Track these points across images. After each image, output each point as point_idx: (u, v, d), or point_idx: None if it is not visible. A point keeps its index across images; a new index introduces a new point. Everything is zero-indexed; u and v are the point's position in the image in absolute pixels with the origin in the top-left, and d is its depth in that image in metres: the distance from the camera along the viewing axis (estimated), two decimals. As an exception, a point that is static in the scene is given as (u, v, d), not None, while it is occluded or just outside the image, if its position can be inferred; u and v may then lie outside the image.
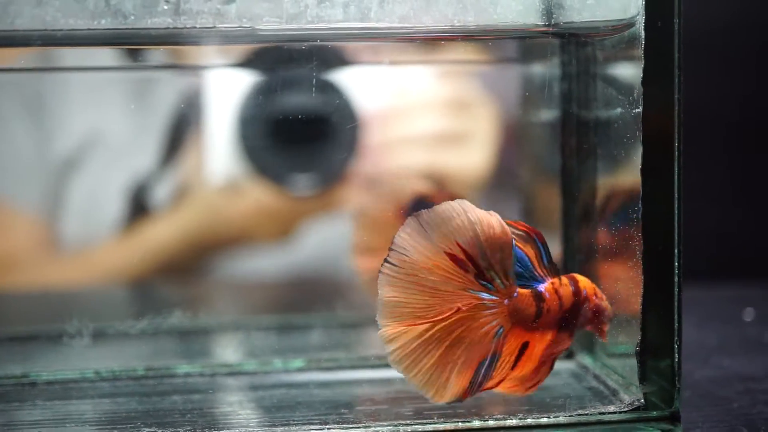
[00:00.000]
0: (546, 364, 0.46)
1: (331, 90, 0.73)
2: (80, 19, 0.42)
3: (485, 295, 0.43)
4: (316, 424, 0.45)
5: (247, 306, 0.74)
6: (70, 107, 0.88)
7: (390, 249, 0.43)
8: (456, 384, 0.43)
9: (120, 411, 0.48)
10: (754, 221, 0.97)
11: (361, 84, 0.73)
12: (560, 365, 0.54)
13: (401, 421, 0.44)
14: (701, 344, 0.66)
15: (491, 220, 0.42)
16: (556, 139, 0.57)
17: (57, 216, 0.90)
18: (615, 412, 0.45)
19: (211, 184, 0.81)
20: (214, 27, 0.44)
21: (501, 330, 0.43)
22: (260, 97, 0.72)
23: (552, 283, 0.45)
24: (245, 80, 0.72)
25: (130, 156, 0.88)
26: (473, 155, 0.80)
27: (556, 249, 0.57)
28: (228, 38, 0.49)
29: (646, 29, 0.44)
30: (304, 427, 0.44)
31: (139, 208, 0.85)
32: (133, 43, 0.54)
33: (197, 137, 0.80)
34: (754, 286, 0.84)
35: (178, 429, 0.44)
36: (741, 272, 0.88)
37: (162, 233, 0.85)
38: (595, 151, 0.53)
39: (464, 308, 0.42)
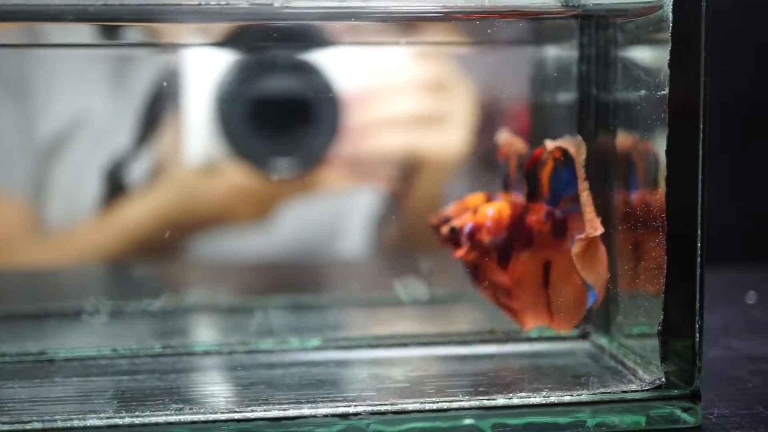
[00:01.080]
0: None
1: (312, 71, 0.73)
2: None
3: None
4: (340, 401, 0.45)
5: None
6: (52, 88, 0.88)
7: None
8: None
9: (143, 388, 0.48)
10: (756, 205, 0.98)
11: (357, 66, 0.73)
12: (576, 345, 0.55)
13: (427, 399, 0.45)
14: (708, 326, 0.66)
15: None
16: (572, 121, 0.57)
17: (39, 197, 0.89)
18: (637, 391, 0.45)
19: (188, 164, 0.80)
20: (203, 4, 0.44)
21: None
22: (239, 77, 0.72)
23: None
24: (225, 60, 0.71)
25: (110, 136, 0.87)
26: (450, 135, 0.80)
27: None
28: (220, 15, 0.49)
29: (674, 11, 0.44)
30: (328, 404, 0.44)
31: (116, 187, 0.85)
32: (116, 20, 0.53)
33: (175, 116, 0.80)
34: (755, 270, 0.85)
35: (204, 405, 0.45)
36: (743, 256, 0.89)
37: (138, 213, 0.85)
38: (615, 133, 0.53)
39: None
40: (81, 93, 0.88)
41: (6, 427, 0.42)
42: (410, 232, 0.81)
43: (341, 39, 0.66)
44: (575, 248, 0.47)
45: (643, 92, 0.48)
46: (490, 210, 0.49)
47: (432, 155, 0.77)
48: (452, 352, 0.55)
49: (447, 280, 0.63)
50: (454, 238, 0.48)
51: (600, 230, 0.47)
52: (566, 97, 0.58)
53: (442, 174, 0.78)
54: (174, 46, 0.70)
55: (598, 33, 0.55)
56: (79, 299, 0.58)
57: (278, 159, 0.77)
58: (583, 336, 0.56)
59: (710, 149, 0.46)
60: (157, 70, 0.84)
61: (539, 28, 0.61)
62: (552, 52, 0.61)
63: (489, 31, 0.57)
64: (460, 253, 0.49)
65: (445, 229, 0.49)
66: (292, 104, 0.73)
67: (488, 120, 0.68)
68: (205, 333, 0.60)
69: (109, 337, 0.56)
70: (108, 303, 0.57)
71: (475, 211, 0.49)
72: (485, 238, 0.49)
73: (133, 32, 0.62)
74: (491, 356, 0.54)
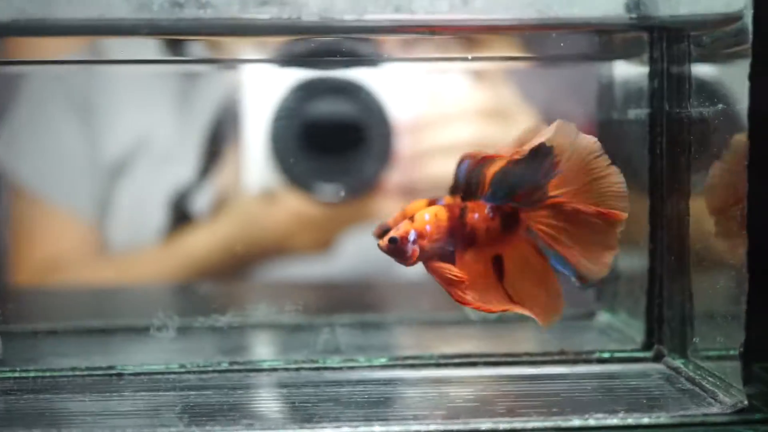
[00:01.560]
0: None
1: (368, 98, 0.73)
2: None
3: None
4: (411, 420, 0.44)
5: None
6: (117, 109, 0.89)
7: None
8: None
9: (212, 403, 0.48)
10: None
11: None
12: (650, 367, 0.54)
13: (500, 419, 0.44)
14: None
15: None
16: (644, 137, 0.56)
17: (103, 218, 0.90)
18: (719, 414, 0.44)
19: (249, 192, 0.81)
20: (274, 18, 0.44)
21: None
22: (296, 102, 0.72)
23: None
24: (282, 83, 0.72)
25: (173, 158, 0.88)
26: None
27: (643, 249, 0.56)
28: (288, 29, 0.49)
29: (754, 23, 0.43)
30: (400, 422, 0.44)
31: (180, 215, 0.86)
32: (187, 34, 0.54)
33: (236, 143, 0.80)
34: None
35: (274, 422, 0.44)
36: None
37: (202, 242, 0.85)
38: (689, 148, 0.52)
39: None
40: (145, 114, 0.89)
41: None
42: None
43: (406, 55, 0.66)
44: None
45: (720, 106, 0.47)
46: (427, 215, 0.49)
47: None
48: (522, 372, 0.54)
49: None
50: (395, 248, 0.48)
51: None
52: (637, 113, 0.57)
53: None
54: (236, 63, 0.70)
55: (670, 47, 0.54)
56: (148, 315, 0.58)
57: (333, 185, 0.77)
58: (657, 357, 0.55)
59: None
60: (220, 91, 0.84)
61: (608, 42, 0.60)
62: (622, 67, 0.61)
63: (561, 44, 0.56)
64: (410, 262, 0.48)
65: (384, 241, 0.48)
66: (349, 130, 0.73)
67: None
68: (271, 350, 0.59)
69: (177, 352, 0.56)
70: (176, 319, 0.58)
71: (412, 219, 0.49)
72: (426, 243, 0.48)
73: (200, 49, 0.62)
74: (563, 376, 0.53)
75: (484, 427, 0.43)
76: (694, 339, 0.51)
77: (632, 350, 0.56)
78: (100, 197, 0.91)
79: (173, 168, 0.88)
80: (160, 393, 0.50)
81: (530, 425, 0.43)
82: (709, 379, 0.49)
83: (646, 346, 0.56)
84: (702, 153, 0.51)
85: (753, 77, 0.43)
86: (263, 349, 0.60)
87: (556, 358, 0.55)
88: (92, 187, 0.91)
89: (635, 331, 0.58)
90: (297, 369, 0.54)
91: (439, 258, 0.48)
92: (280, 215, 0.82)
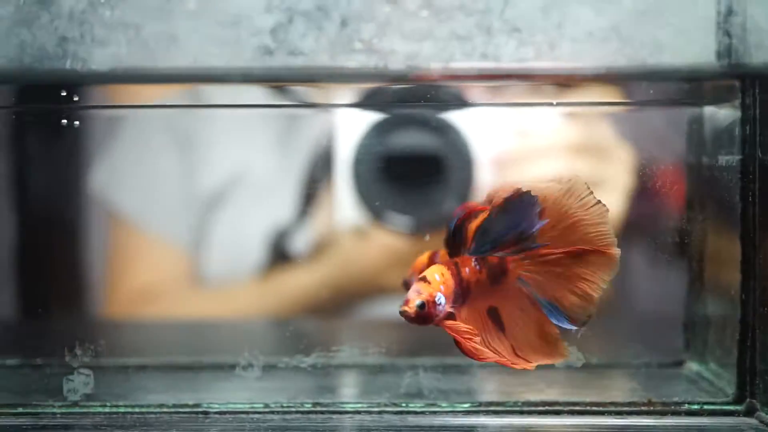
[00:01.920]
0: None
1: (455, 133, 0.73)
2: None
3: None
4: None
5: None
6: (215, 144, 0.91)
7: None
8: None
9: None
10: None
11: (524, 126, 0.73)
12: (741, 421, 0.52)
13: None
14: None
15: None
16: (735, 184, 0.55)
17: (201, 251, 0.92)
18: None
19: (346, 230, 0.81)
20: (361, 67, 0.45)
21: None
22: (385, 139, 0.73)
23: None
24: (370, 122, 0.72)
25: (269, 193, 0.90)
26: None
27: (734, 298, 0.55)
28: (375, 77, 0.49)
29: None
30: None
31: (279, 254, 0.87)
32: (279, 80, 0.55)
33: (329, 185, 0.81)
34: None
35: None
36: None
37: (298, 281, 0.86)
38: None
39: None
40: (242, 151, 0.91)
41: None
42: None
43: (493, 100, 0.66)
44: None
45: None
46: (437, 275, 0.48)
47: None
48: (607, 422, 0.53)
49: (600, 347, 0.61)
50: (425, 313, 0.47)
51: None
52: (728, 159, 0.56)
53: None
54: (324, 107, 0.72)
55: (763, 94, 0.53)
56: (234, 353, 0.59)
57: (420, 220, 0.77)
58: (749, 411, 0.53)
59: None
60: (315, 132, 0.86)
61: (699, 88, 0.60)
62: (712, 112, 0.60)
63: (651, 91, 0.55)
64: (431, 323, 0.47)
65: (412, 308, 0.47)
66: (434, 165, 0.74)
67: (644, 183, 0.66)
68: (354, 391, 0.60)
69: (261, 391, 0.57)
70: (261, 358, 0.58)
71: (425, 280, 0.47)
72: (448, 306, 0.48)
73: (292, 93, 0.63)
74: (650, 428, 0.52)
75: None
76: (787, 394, 0.50)
77: (723, 403, 0.54)
78: (197, 230, 0.93)
79: (270, 205, 0.89)
80: (245, 433, 0.51)
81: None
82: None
83: (738, 398, 0.54)
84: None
85: None
86: (347, 391, 0.60)
87: (643, 408, 0.54)
88: (189, 220, 0.93)
89: (725, 382, 0.56)
90: (379, 412, 0.54)
91: (445, 317, 0.48)
92: (372, 252, 0.83)
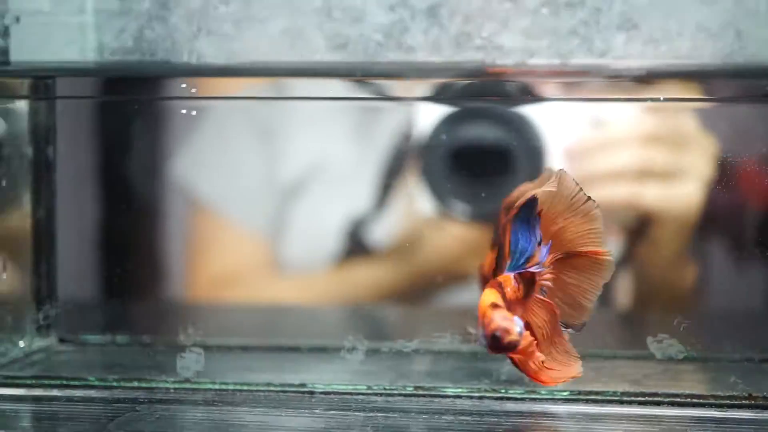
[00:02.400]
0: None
1: (523, 123, 0.73)
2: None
3: None
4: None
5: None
6: (295, 134, 0.93)
7: None
8: None
9: (399, 426, 0.50)
10: None
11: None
12: None
13: None
14: None
15: None
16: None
17: (280, 239, 0.94)
18: None
19: (419, 223, 0.83)
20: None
21: None
22: (457, 131, 0.73)
23: None
24: (443, 114, 0.73)
25: (346, 183, 0.91)
26: (685, 191, 0.78)
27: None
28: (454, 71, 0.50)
29: None
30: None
31: (356, 244, 0.88)
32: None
33: (407, 177, 0.83)
34: None
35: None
36: None
37: (375, 271, 0.87)
38: None
39: None
40: (322, 142, 0.92)
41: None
42: (651, 288, 0.79)
43: (569, 95, 0.67)
44: None
45: None
46: (498, 300, 0.47)
47: (663, 211, 0.76)
48: (707, 414, 0.53)
49: (701, 339, 0.61)
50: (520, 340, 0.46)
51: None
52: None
53: (677, 231, 0.76)
54: (408, 100, 0.73)
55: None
56: (339, 337, 0.61)
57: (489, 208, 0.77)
58: None
59: None
60: (395, 124, 0.87)
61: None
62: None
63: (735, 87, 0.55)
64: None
65: (513, 336, 0.45)
66: (503, 156, 0.74)
67: (726, 176, 0.66)
68: (455, 376, 0.61)
69: (364, 374, 0.59)
70: (365, 342, 0.60)
71: (498, 307, 0.46)
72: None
73: (372, 87, 0.65)
74: (751, 422, 0.52)
75: None
76: None
77: (833, 398, 0.54)
78: (276, 219, 0.95)
79: (347, 196, 0.91)
80: (349, 413, 0.53)
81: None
82: None
83: (841, 395, 0.54)
84: None
85: None
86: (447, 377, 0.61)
87: (744, 402, 0.54)
88: (269, 209, 0.95)
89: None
90: (480, 397, 0.55)
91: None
92: (448, 242, 0.83)
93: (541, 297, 0.49)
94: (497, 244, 0.50)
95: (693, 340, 0.58)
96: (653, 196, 0.76)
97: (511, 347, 0.45)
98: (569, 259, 0.48)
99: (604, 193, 0.76)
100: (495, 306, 0.46)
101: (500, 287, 0.48)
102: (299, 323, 0.80)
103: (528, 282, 0.48)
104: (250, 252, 0.95)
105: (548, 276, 0.49)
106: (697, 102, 0.71)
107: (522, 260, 0.48)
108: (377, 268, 0.88)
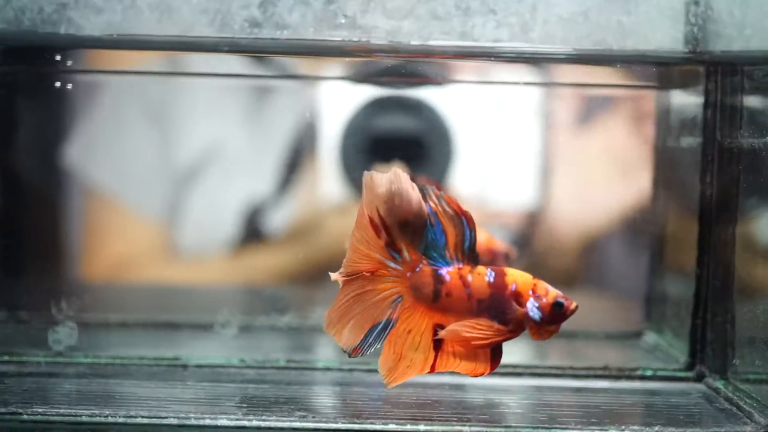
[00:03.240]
0: (481, 350, 0.47)
1: (428, 110, 0.75)
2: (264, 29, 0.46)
3: (390, 264, 0.46)
4: (455, 421, 0.47)
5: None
6: (191, 117, 0.92)
7: None
8: (349, 337, 0.47)
9: (268, 396, 0.51)
10: None
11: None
12: (690, 386, 0.55)
13: (540, 425, 0.46)
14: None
15: (411, 196, 0.45)
16: (696, 166, 0.58)
17: (175, 225, 0.94)
18: (751, 432, 0.46)
19: (323, 208, 0.84)
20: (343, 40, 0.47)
21: (399, 299, 0.46)
22: (364, 116, 0.75)
23: (459, 269, 0.46)
24: (349, 97, 0.75)
25: (244, 167, 0.91)
26: None
27: (691, 274, 0.58)
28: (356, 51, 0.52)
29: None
30: (444, 423, 0.46)
31: (253, 229, 0.89)
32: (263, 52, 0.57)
33: (310, 162, 0.84)
34: None
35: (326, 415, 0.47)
36: None
37: (274, 256, 0.88)
38: (738, 178, 0.54)
39: (368, 271, 0.46)
40: (219, 125, 0.92)
41: (145, 420, 0.46)
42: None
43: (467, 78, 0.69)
44: None
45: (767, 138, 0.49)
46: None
47: None
48: (565, 384, 0.56)
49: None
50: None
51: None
52: (690, 141, 0.59)
53: None
54: (308, 80, 0.74)
55: (724, 80, 0.55)
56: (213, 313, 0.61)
57: None
58: (699, 377, 0.56)
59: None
60: (296, 108, 0.87)
61: (666, 73, 0.62)
62: (679, 97, 0.63)
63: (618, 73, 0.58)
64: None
65: (575, 304, 0.46)
66: (414, 144, 0.76)
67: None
68: (327, 351, 0.62)
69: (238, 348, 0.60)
70: (239, 317, 0.61)
71: (536, 287, 0.47)
72: None
73: (274, 65, 0.65)
74: (605, 390, 0.55)
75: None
76: (734, 361, 0.53)
77: (674, 369, 0.57)
78: (171, 204, 0.94)
79: (247, 181, 0.90)
80: (222, 384, 0.54)
81: (568, 433, 0.45)
82: (747, 400, 0.50)
83: (689, 366, 0.57)
84: (751, 183, 0.53)
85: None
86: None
87: (600, 373, 0.57)
88: (164, 194, 0.94)
89: (679, 351, 0.59)
90: (350, 370, 0.57)
91: None
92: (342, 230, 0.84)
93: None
94: None
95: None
96: None
97: (569, 316, 0.46)
98: None
99: None
100: (535, 287, 0.46)
101: None
102: (184, 302, 0.80)
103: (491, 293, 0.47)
104: (145, 238, 0.94)
105: None
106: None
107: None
108: (276, 254, 0.88)
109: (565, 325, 0.52)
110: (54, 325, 0.59)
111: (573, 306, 0.46)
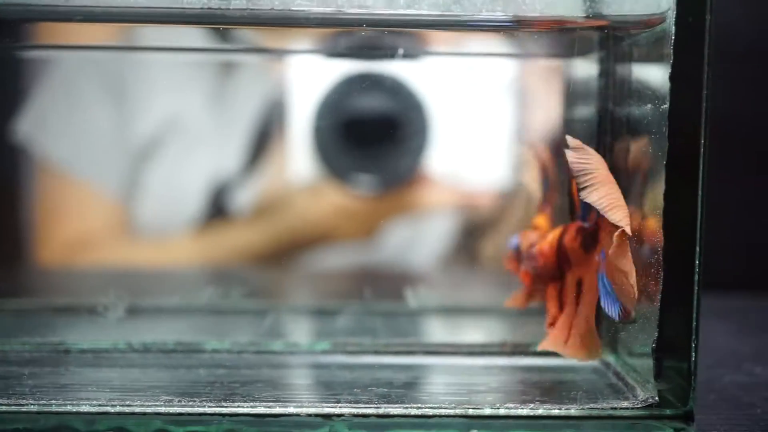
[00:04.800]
0: None
1: (403, 91, 0.74)
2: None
3: None
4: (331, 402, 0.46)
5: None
6: (149, 92, 0.90)
7: None
8: None
9: (145, 380, 0.50)
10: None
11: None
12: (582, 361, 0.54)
13: (412, 405, 0.45)
14: (736, 352, 0.65)
15: None
16: (592, 136, 0.57)
17: (134, 201, 0.92)
18: (627, 408, 0.45)
19: (293, 187, 0.82)
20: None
21: None
22: (335, 95, 0.73)
23: None
24: (323, 82, 0.73)
25: (205, 144, 0.89)
26: None
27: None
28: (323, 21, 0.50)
29: (676, 25, 0.44)
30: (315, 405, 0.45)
31: (218, 206, 0.87)
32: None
33: (279, 139, 0.82)
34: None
35: (195, 399, 0.46)
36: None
37: (240, 234, 0.86)
38: (628, 149, 0.53)
39: None
40: (178, 100, 0.90)
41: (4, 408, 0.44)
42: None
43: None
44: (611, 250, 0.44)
45: (648, 106, 0.48)
46: (535, 237, 0.50)
47: None
48: (459, 362, 0.55)
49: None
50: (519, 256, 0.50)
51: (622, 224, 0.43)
52: (588, 111, 0.58)
53: None
54: (276, 53, 0.71)
55: (616, 46, 0.54)
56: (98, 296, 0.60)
57: (373, 178, 0.78)
58: (593, 353, 0.55)
59: (747, 174, 0.45)
60: (263, 83, 0.85)
61: (570, 41, 0.61)
62: (580, 65, 0.61)
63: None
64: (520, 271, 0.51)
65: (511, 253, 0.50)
66: (387, 125, 0.75)
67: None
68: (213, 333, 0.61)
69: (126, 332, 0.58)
70: (125, 300, 0.59)
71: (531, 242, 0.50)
72: (539, 263, 0.49)
73: (237, 38, 0.63)
74: (499, 368, 0.54)
75: (393, 412, 0.44)
76: (622, 335, 0.52)
77: (569, 345, 0.56)
78: (129, 178, 0.92)
79: (209, 157, 0.89)
80: (102, 369, 0.52)
81: (441, 412, 0.44)
82: (633, 374, 0.50)
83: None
84: (638, 154, 0.52)
85: (673, 78, 0.44)
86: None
87: (496, 350, 0.56)
88: (122, 168, 0.92)
89: (579, 326, 0.58)
90: (239, 352, 0.55)
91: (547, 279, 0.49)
92: (322, 210, 0.83)
93: (600, 261, 0.46)
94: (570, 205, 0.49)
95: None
96: None
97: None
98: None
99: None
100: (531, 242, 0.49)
101: (560, 230, 0.49)
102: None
103: (589, 238, 0.47)
104: (103, 214, 0.92)
105: (610, 242, 0.44)
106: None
107: (583, 213, 0.48)
108: (242, 232, 0.86)
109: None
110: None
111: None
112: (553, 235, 0.49)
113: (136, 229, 0.92)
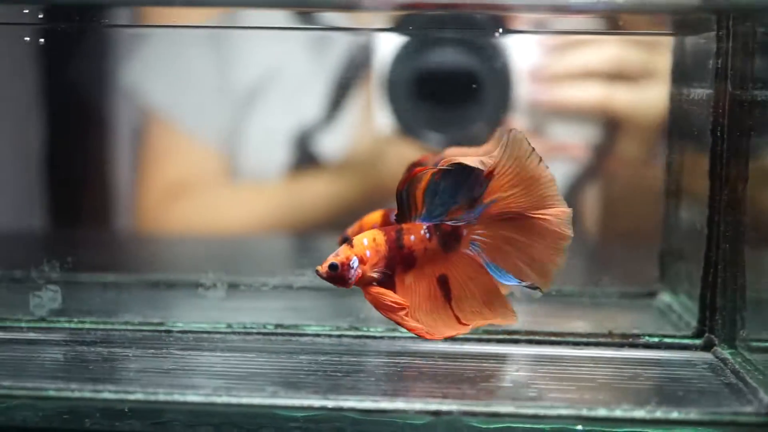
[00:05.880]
0: None
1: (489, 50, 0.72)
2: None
3: None
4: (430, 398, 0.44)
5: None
6: (251, 45, 0.90)
7: None
8: None
9: (248, 366, 0.49)
10: None
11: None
12: (697, 356, 0.52)
13: (523, 403, 0.43)
14: None
15: None
16: (707, 117, 0.54)
17: (232, 149, 0.93)
18: (751, 414, 0.42)
19: (371, 140, 0.82)
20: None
21: None
22: (416, 56, 0.72)
23: None
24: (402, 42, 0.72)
25: (301, 98, 0.90)
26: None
27: (702, 233, 0.54)
28: None
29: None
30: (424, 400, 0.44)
31: (307, 155, 0.87)
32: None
33: (361, 93, 0.81)
34: None
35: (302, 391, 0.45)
36: None
37: (324, 184, 0.86)
38: (750, 132, 0.50)
39: None
40: (277, 53, 0.90)
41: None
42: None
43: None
44: None
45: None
46: (365, 239, 0.48)
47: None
48: (564, 353, 0.53)
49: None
50: (336, 275, 0.48)
51: None
52: (704, 92, 0.55)
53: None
54: (363, 31, 0.73)
55: (736, 27, 0.51)
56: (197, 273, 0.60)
57: (448, 135, 0.76)
58: (707, 346, 0.53)
59: None
60: (351, 41, 0.85)
61: (682, 21, 0.58)
62: (693, 45, 0.58)
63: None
64: (349, 286, 0.48)
65: (324, 268, 0.47)
66: (466, 81, 0.73)
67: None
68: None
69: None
70: (225, 278, 0.59)
71: (351, 244, 0.48)
72: (366, 268, 0.48)
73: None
74: (606, 360, 0.52)
75: (503, 410, 0.43)
76: (742, 330, 0.50)
77: (682, 336, 0.54)
78: (228, 127, 0.93)
79: (299, 106, 0.89)
80: (203, 353, 0.52)
81: (553, 412, 0.43)
82: (755, 373, 0.47)
83: (698, 333, 0.54)
84: (763, 137, 0.49)
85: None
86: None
87: (602, 340, 0.54)
88: (222, 117, 0.93)
89: (691, 315, 0.56)
90: (339, 336, 0.54)
91: (380, 283, 0.48)
92: (393, 165, 0.82)
93: (470, 252, 0.48)
94: (400, 202, 0.49)
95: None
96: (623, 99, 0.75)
97: (323, 277, 0.48)
98: (526, 221, 0.48)
99: (576, 94, 0.76)
100: (348, 242, 0.48)
101: (395, 233, 0.48)
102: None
103: (448, 235, 0.48)
104: (201, 162, 0.94)
105: (480, 233, 0.48)
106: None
107: (437, 212, 0.48)
108: (329, 182, 0.87)
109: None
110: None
111: (317, 268, 0.48)
112: (378, 239, 0.48)
113: (233, 176, 0.93)
